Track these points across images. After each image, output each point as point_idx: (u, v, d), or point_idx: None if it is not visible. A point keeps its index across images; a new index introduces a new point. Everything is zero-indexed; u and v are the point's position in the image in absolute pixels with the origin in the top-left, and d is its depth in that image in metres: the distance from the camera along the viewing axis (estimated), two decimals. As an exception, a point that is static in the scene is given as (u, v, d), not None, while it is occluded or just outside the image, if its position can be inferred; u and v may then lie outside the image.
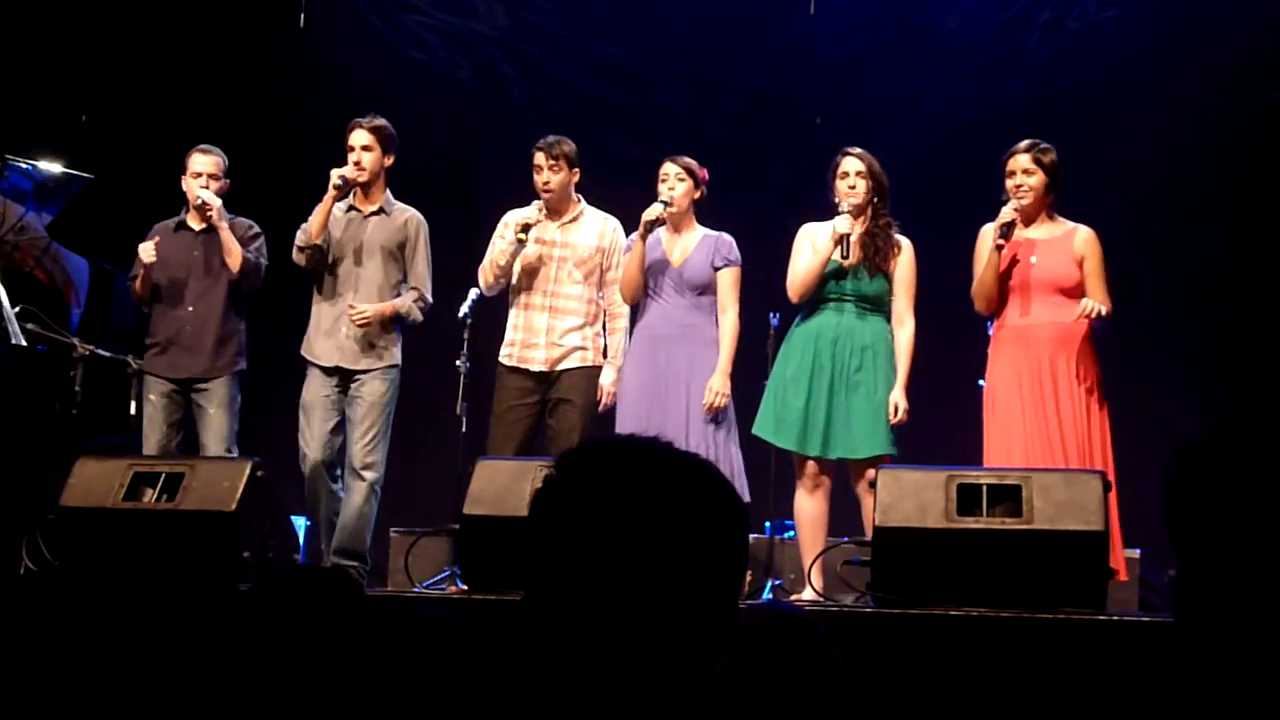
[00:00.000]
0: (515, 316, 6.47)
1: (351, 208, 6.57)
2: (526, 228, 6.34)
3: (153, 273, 6.58)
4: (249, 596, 2.40)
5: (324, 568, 3.13)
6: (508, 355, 6.43)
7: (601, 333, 6.49)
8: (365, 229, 6.55)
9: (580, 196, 6.54)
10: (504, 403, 6.39)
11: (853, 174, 6.00)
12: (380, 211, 6.57)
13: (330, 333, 6.49)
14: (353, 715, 2.32)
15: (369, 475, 6.35)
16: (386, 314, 6.46)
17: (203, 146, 6.73)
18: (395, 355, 6.51)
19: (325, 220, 6.46)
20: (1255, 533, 1.42)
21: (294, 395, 6.55)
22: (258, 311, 6.87)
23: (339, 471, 6.45)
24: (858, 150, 6.04)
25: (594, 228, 6.50)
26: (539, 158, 6.40)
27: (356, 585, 2.63)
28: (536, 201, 6.41)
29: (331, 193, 6.42)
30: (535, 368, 6.38)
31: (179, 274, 6.66)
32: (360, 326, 6.40)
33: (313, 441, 6.42)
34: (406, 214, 6.60)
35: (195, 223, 6.70)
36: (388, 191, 6.61)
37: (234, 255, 6.56)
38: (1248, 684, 1.41)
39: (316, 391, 6.48)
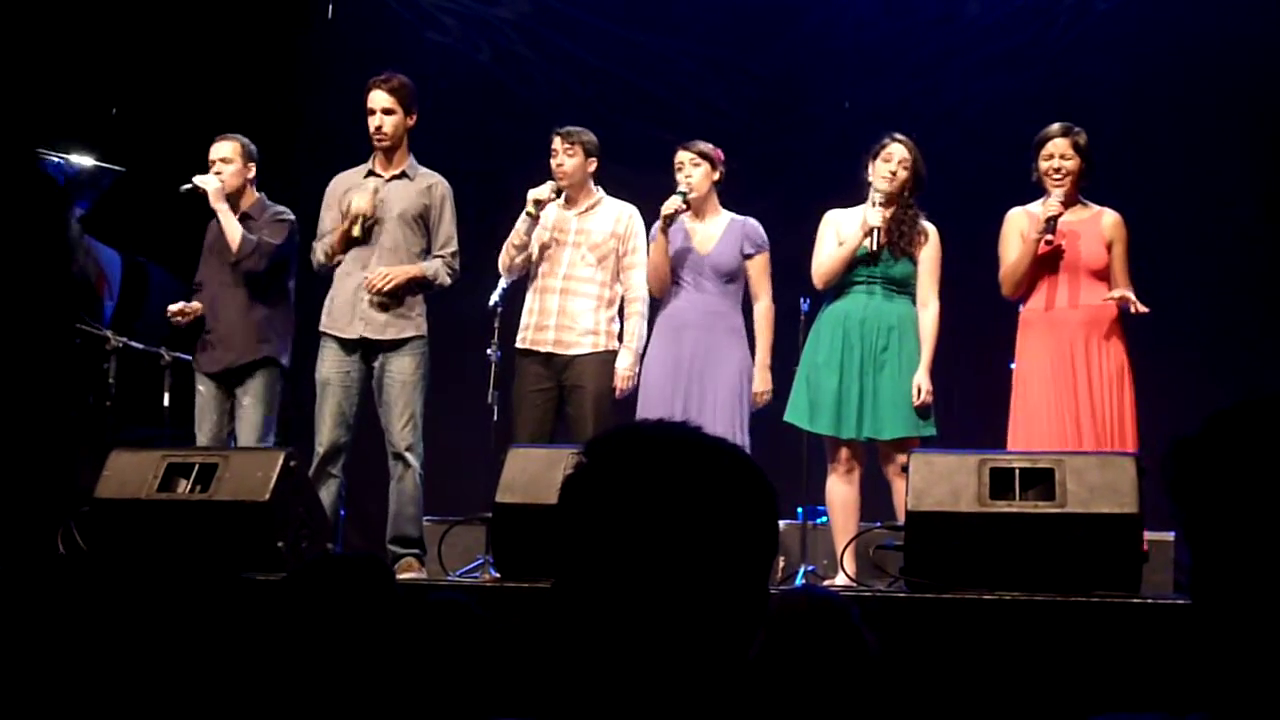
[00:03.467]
0: (530, 300, 6.45)
1: (371, 172, 6.39)
2: (539, 202, 6.31)
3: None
4: (282, 586, 2.41)
5: (355, 556, 3.13)
6: (522, 339, 6.41)
7: (616, 318, 6.45)
8: (387, 195, 6.34)
9: (599, 188, 6.52)
10: (521, 389, 6.37)
11: (896, 160, 5.97)
12: (403, 175, 6.38)
13: (352, 304, 6.28)
14: (381, 700, 2.33)
15: (413, 458, 6.19)
16: (405, 279, 6.24)
17: (221, 134, 6.66)
18: (421, 325, 6.31)
19: (343, 243, 6.30)
20: (1263, 522, 1.41)
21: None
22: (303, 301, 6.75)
23: (346, 458, 6.28)
24: (906, 139, 6.00)
25: (610, 214, 6.47)
26: (556, 141, 6.38)
27: (388, 573, 2.64)
28: (551, 181, 6.38)
29: (351, 229, 6.25)
30: (545, 349, 6.33)
31: (208, 266, 6.63)
32: (380, 294, 6.18)
33: (326, 421, 6.23)
34: (431, 179, 6.41)
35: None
36: (411, 155, 6.43)
37: (231, 237, 6.44)
38: (1271, 668, 1.40)
39: (335, 366, 6.29)
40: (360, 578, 2.46)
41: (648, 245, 6.38)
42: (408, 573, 6.07)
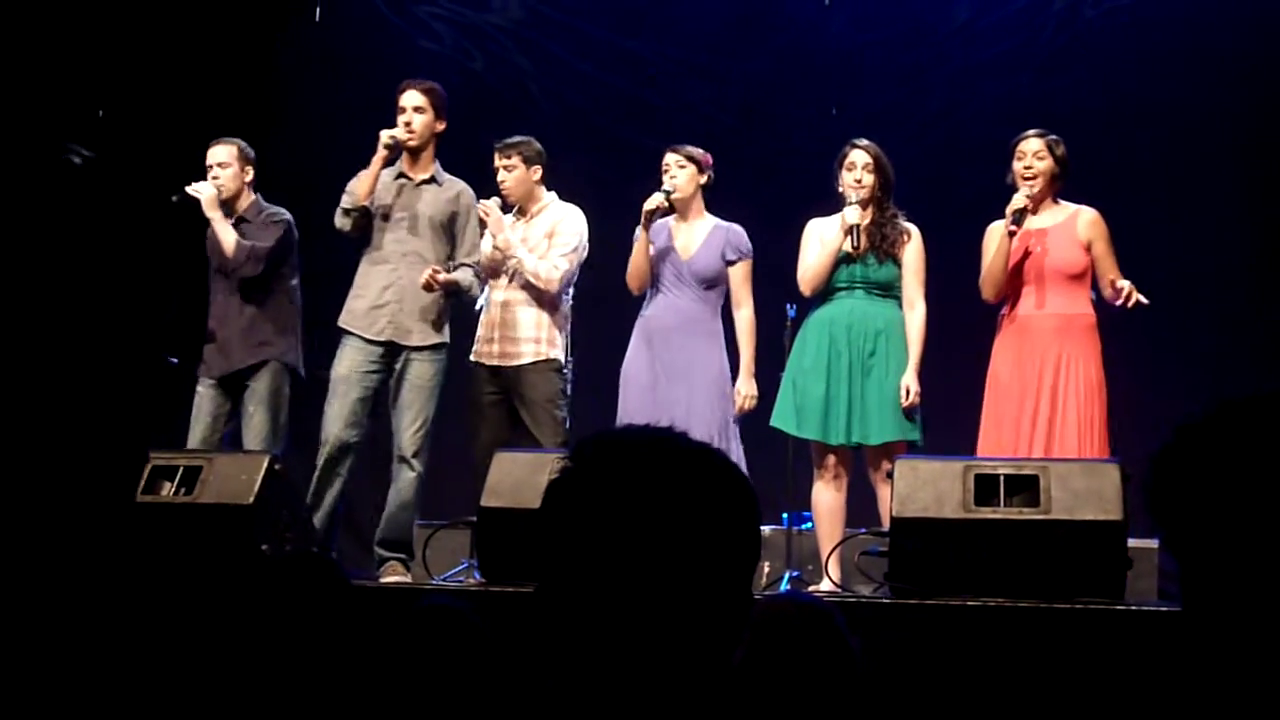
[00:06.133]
0: (483, 313, 6.40)
1: (401, 174, 6.36)
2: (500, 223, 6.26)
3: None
4: (243, 588, 2.41)
5: (308, 554, 3.13)
6: (476, 352, 6.37)
7: (560, 318, 6.35)
8: (415, 198, 6.34)
9: (549, 192, 6.45)
10: (477, 398, 6.33)
11: (859, 166, 6.00)
12: (431, 180, 6.37)
13: (378, 304, 6.28)
14: (341, 702, 2.32)
15: (418, 464, 6.17)
16: (451, 284, 6.22)
17: (217, 138, 6.64)
18: (446, 332, 6.31)
19: (373, 183, 6.27)
20: (1243, 528, 1.41)
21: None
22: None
23: (354, 460, 6.24)
24: (865, 142, 6.04)
25: (551, 218, 6.40)
26: (495, 157, 6.35)
27: (339, 573, 2.61)
28: (494, 199, 6.33)
29: (381, 153, 6.22)
30: (491, 362, 6.29)
31: (214, 268, 6.60)
32: (426, 290, 6.13)
33: (337, 419, 6.17)
34: (458, 187, 6.41)
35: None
36: (437, 162, 6.42)
37: (226, 244, 6.42)
38: (1263, 675, 1.40)
39: (355, 365, 6.24)
40: (307, 577, 2.45)
41: (578, 241, 6.32)
42: (392, 576, 6.05)
